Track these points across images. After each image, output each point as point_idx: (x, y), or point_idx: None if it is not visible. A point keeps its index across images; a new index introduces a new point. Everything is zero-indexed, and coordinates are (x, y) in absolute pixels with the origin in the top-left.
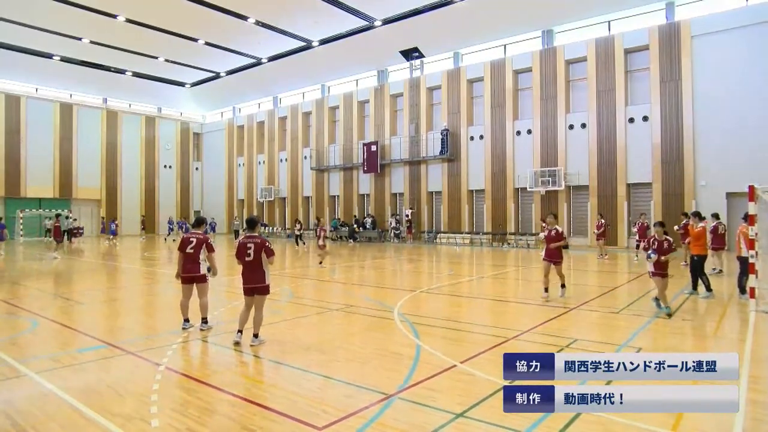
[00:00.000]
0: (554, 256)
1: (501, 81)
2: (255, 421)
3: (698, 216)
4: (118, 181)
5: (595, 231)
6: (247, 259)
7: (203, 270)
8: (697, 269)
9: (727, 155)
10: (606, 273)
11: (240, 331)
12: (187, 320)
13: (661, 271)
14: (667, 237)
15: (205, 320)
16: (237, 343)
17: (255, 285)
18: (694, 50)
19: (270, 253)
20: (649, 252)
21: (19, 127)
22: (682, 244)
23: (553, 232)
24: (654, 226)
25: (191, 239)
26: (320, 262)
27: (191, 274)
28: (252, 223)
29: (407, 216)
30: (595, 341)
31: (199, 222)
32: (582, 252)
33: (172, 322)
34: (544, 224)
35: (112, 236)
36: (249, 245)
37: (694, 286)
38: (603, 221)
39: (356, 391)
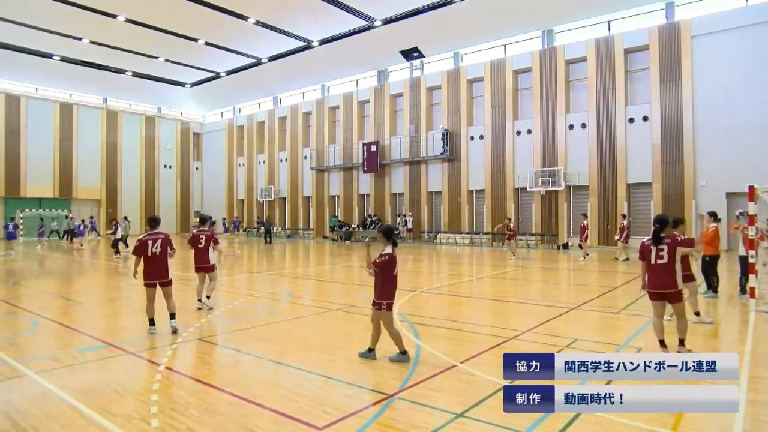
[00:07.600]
0: None
1: (501, 81)
2: (255, 421)
3: (714, 216)
4: (118, 181)
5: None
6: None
7: (213, 260)
8: (708, 269)
9: (727, 155)
10: (606, 273)
11: (200, 299)
12: (200, 299)
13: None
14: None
15: (208, 297)
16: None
17: (204, 265)
18: (694, 50)
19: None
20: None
21: (19, 127)
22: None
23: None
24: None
25: (201, 236)
26: (513, 254)
27: (204, 265)
28: (204, 220)
29: (405, 221)
30: (595, 341)
31: (203, 220)
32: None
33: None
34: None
35: None
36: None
37: (709, 286)
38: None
39: (356, 391)
